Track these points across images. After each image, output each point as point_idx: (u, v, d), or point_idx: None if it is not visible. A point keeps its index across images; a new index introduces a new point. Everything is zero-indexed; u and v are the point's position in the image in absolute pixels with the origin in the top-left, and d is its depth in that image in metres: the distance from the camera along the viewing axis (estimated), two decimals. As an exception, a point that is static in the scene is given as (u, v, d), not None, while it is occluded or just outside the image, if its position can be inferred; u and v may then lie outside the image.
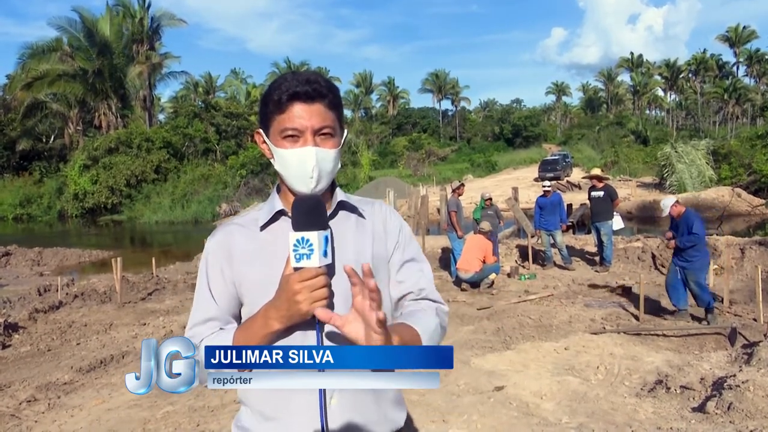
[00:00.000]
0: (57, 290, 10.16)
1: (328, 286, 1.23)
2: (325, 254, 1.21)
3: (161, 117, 53.47)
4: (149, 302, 9.70)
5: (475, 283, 9.13)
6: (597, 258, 10.60)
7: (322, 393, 1.26)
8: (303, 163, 1.31)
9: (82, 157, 33.83)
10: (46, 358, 6.72)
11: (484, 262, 8.99)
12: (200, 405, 4.85)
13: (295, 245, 1.20)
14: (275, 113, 1.32)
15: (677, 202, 7.15)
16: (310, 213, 1.23)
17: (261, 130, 1.39)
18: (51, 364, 6.46)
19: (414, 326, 1.30)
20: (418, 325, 1.31)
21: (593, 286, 9.08)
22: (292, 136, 1.31)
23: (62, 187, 34.87)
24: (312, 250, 1.19)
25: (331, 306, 1.26)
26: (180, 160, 35.99)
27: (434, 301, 1.44)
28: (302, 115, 1.30)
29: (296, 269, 1.21)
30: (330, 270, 1.27)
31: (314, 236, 1.19)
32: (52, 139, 42.48)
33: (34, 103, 38.01)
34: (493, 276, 9.13)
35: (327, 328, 1.28)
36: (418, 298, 1.43)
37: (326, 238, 1.22)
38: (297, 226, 1.21)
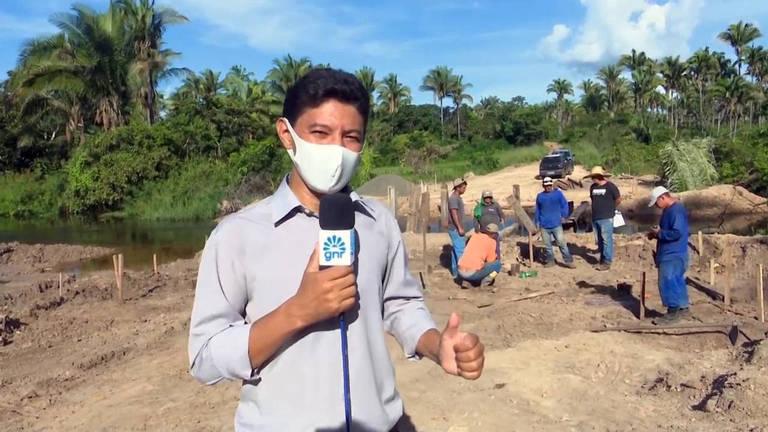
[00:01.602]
0: (58, 287, 10.17)
1: (355, 284, 1.24)
2: (353, 253, 1.23)
3: (162, 114, 53.56)
4: (150, 299, 9.71)
5: (475, 281, 9.13)
6: (598, 256, 10.61)
7: (347, 387, 1.28)
8: (328, 160, 1.30)
9: (84, 154, 33.84)
10: (47, 355, 6.73)
11: (486, 260, 8.98)
12: (201, 402, 4.85)
13: (326, 244, 1.19)
14: (307, 105, 1.31)
15: (667, 194, 7.09)
16: (342, 212, 1.22)
17: (285, 120, 1.37)
18: (52, 360, 6.47)
19: (434, 329, 1.46)
20: (431, 325, 1.49)
21: (583, 284, 9.07)
22: (320, 132, 1.30)
23: (63, 184, 34.90)
24: (344, 248, 1.19)
25: (356, 304, 1.29)
26: (181, 157, 36.01)
27: (419, 298, 1.62)
28: (335, 113, 1.29)
29: (323, 267, 1.20)
30: (354, 268, 1.27)
31: (346, 235, 1.20)
32: (53, 135, 42.50)
33: (36, 99, 38.05)
34: (494, 274, 9.14)
35: (351, 326, 1.32)
36: (409, 297, 1.58)
37: (353, 237, 1.23)
38: (327, 225, 1.20)
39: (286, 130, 1.37)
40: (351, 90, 1.30)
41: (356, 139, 1.34)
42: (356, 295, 1.25)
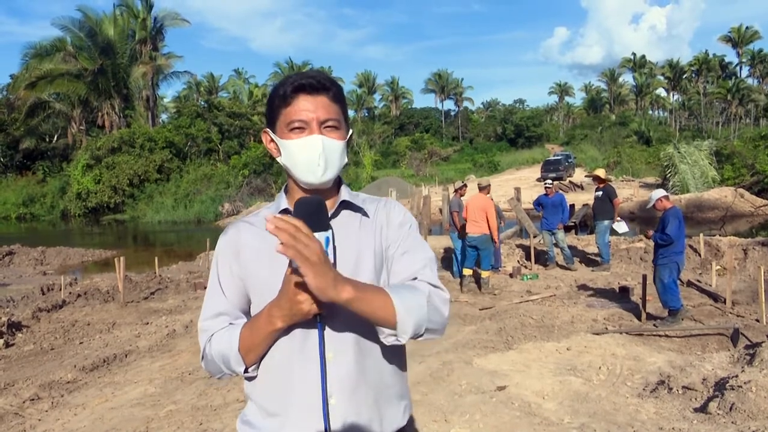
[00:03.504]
0: (60, 289, 10.20)
1: None
2: (326, 255, 1.22)
3: (164, 117, 53.62)
4: (152, 301, 9.73)
5: (477, 283, 9.14)
6: (599, 258, 10.63)
7: (324, 391, 1.28)
8: (310, 150, 1.33)
9: (85, 157, 33.92)
10: (49, 357, 6.74)
11: (487, 221, 8.83)
12: (203, 404, 4.86)
13: None
14: (281, 107, 1.35)
15: (666, 197, 7.06)
16: (312, 214, 1.22)
17: (268, 129, 1.41)
18: (54, 362, 6.49)
19: (390, 293, 1.24)
20: (396, 294, 1.25)
21: (585, 287, 9.07)
22: (298, 128, 1.33)
23: (65, 187, 34.99)
24: None
25: (332, 306, 1.27)
26: (183, 160, 36.05)
27: (428, 283, 1.35)
28: (307, 107, 1.33)
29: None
30: None
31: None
32: (55, 138, 42.59)
33: (38, 102, 38.16)
34: (486, 273, 9.06)
35: (328, 326, 1.30)
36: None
37: (327, 239, 1.22)
38: None
39: (271, 140, 1.40)
40: (318, 81, 1.33)
41: (335, 128, 1.36)
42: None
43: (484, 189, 9.29)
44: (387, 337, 1.27)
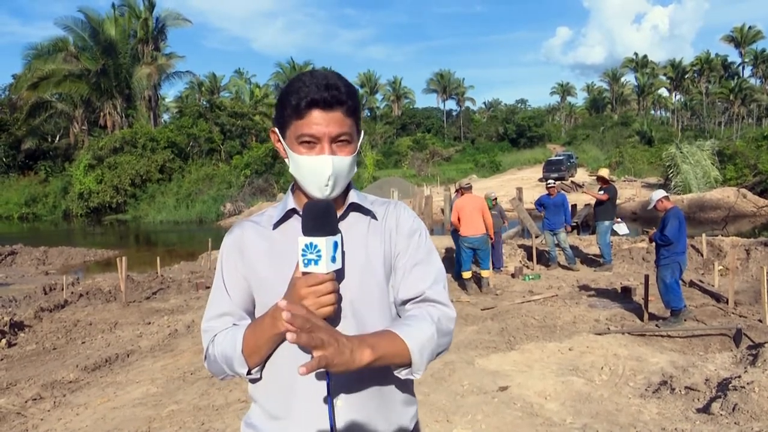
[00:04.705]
0: (62, 289, 10.22)
1: (336, 291, 1.22)
2: (334, 260, 1.20)
3: (166, 117, 53.66)
4: (154, 301, 9.73)
5: (478, 283, 9.13)
6: (601, 258, 10.63)
7: (330, 393, 1.27)
8: (319, 170, 1.29)
9: (87, 157, 33.99)
10: (51, 357, 6.75)
11: (483, 219, 8.87)
12: (205, 404, 4.86)
13: (303, 250, 1.19)
14: (293, 118, 1.30)
15: (666, 197, 7.04)
16: (320, 218, 1.21)
17: (276, 130, 1.37)
18: (56, 362, 6.49)
19: (402, 336, 1.24)
20: (408, 336, 1.25)
21: (587, 287, 9.06)
22: (308, 142, 1.29)
23: (67, 187, 35.07)
24: (320, 256, 1.18)
25: (338, 311, 1.27)
26: (184, 160, 36.12)
27: (437, 302, 1.36)
28: (320, 122, 1.28)
29: (304, 274, 1.20)
30: (339, 275, 1.26)
31: (322, 242, 1.18)
32: (57, 138, 42.68)
33: (40, 102, 38.24)
34: (486, 273, 9.06)
35: (342, 332, 1.29)
36: (418, 301, 1.37)
37: (335, 244, 1.21)
38: (306, 231, 1.20)
39: (279, 141, 1.37)
40: (333, 95, 1.27)
41: (347, 142, 1.31)
42: (338, 302, 1.24)
43: (468, 190, 9.31)
44: (400, 373, 1.27)
